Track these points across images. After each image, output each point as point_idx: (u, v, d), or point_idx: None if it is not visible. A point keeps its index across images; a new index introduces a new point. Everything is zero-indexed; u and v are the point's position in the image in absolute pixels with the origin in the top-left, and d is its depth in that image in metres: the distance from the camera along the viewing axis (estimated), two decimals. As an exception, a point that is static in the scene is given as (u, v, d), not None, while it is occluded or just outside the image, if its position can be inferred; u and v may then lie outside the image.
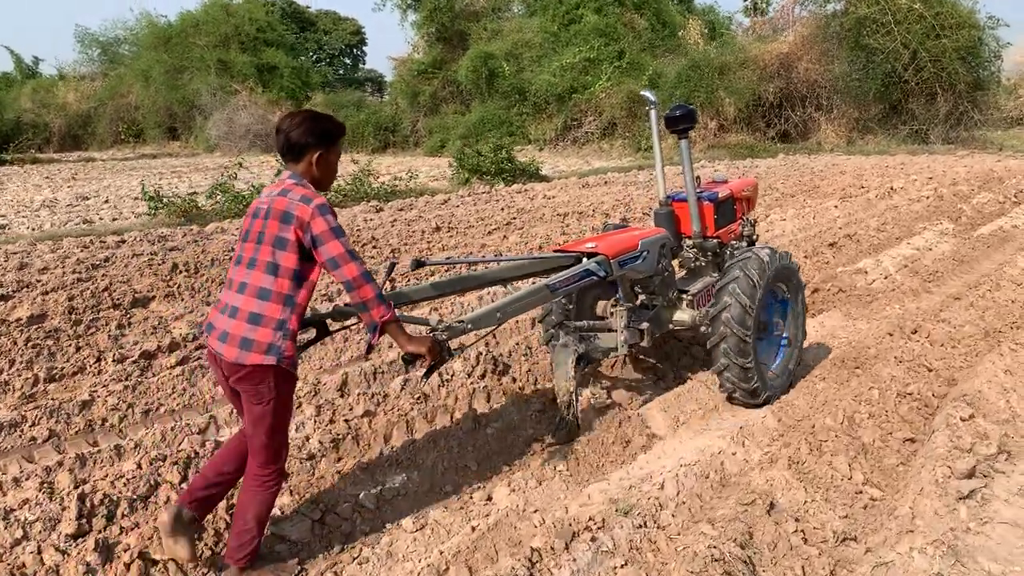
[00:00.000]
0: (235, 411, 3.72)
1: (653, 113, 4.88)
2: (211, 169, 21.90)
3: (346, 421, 4.22)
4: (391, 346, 5.32)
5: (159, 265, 7.48)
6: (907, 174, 14.81)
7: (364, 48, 50.62)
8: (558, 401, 4.31)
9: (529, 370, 5.10)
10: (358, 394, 4.56)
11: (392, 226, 10.46)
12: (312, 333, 3.36)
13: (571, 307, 4.71)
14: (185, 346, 5.29)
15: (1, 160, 27.91)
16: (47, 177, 21.84)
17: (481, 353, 5.08)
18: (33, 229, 11.20)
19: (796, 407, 4.54)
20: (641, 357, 5.49)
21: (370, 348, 3.00)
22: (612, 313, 4.43)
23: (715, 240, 5.12)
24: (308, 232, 2.70)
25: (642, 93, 5.06)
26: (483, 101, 28.00)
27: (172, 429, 3.97)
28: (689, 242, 5.11)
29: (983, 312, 6.16)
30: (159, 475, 3.66)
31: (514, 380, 4.95)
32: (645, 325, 4.38)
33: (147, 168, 25.86)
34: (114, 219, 12.24)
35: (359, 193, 13.05)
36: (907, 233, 9.61)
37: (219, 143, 33.08)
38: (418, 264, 3.53)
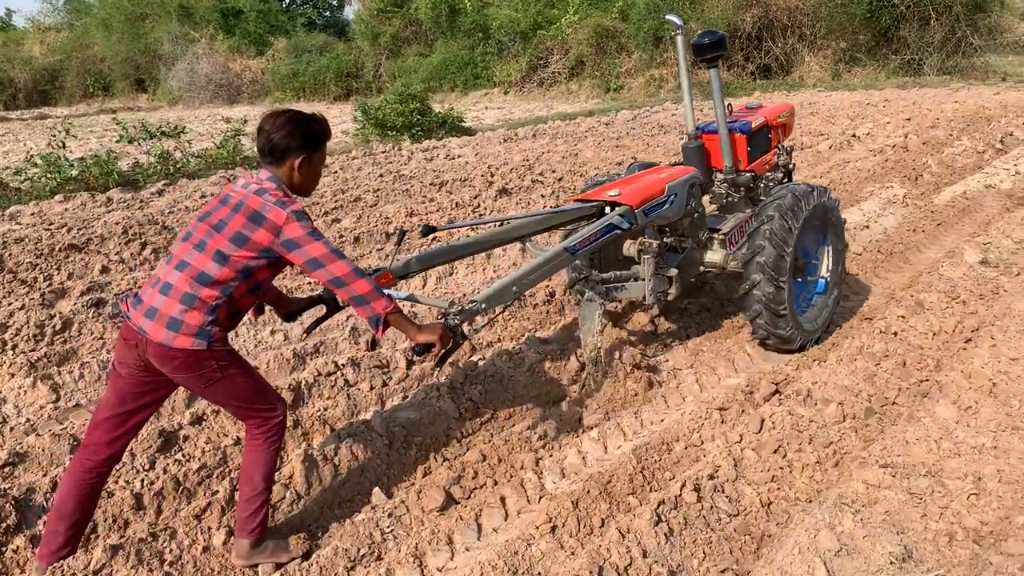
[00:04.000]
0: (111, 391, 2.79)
1: (680, 39, 4.51)
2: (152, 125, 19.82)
3: None
4: None
5: None
6: (883, 115, 12.52)
7: (352, -12, 47.61)
8: (585, 357, 4.17)
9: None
10: None
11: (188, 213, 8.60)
12: (323, 310, 3.22)
13: (594, 255, 4.60)
14: None
15: (-58, 122, 26.35)
16: (-37, 141, 20.15)
17: (163, 464, 3.32)
18: None
19: None
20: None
21: (375, 343, 2.91)
22: (639, 258, 4.11)
23: (748, 174, 4.88)
24: (280, 236, 2.59)
25: (667, 17, 4.72)
26: (446, 42, 25.68)
27: None
28: (720, 177, 4.86)
29: (879, 363, 3.99)
30: None
31: (201, 514, 3.12)
32: (674, 272, 4.17)
33: (93, 125, 24.07)
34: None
35: (223, 159, 11.11)
36: (847, 201, 7.54)
37: (182, 95, 31.44)
38: (429, 230, 3.36)
